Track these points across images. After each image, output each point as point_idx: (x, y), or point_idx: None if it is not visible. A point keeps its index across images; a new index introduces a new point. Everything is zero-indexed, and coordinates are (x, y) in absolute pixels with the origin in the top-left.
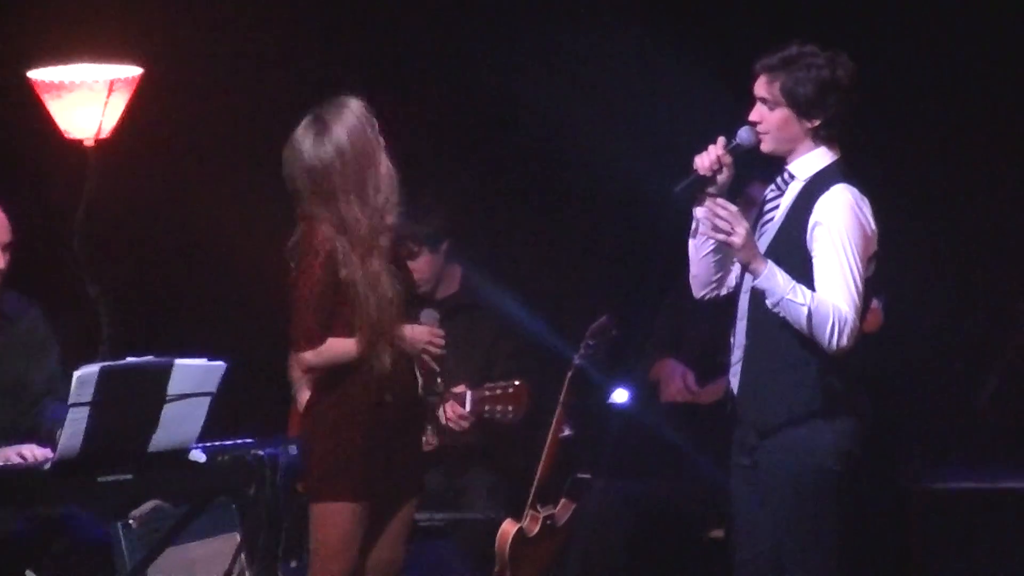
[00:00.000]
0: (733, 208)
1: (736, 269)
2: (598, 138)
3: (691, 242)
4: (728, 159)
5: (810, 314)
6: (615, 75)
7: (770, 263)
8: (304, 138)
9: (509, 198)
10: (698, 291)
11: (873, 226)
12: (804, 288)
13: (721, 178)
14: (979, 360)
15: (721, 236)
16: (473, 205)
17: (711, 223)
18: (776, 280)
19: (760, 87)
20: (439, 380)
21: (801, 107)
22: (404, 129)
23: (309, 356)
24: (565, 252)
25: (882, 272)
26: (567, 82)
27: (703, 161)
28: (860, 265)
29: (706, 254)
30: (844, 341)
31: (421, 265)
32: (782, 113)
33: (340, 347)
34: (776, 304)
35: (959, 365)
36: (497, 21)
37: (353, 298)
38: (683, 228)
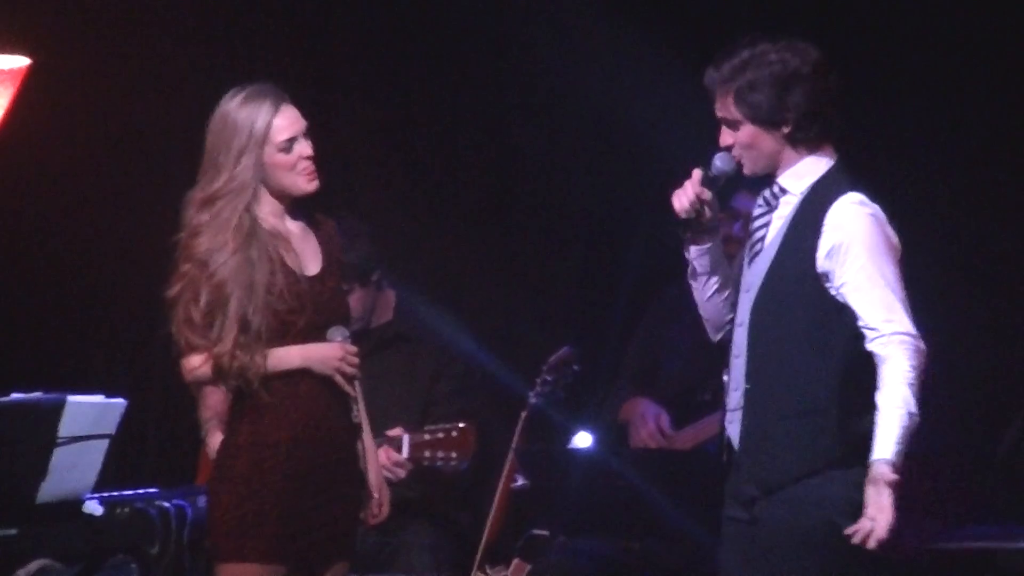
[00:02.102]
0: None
1: (740, 297)
2: (557, 147)
3: (692, 284)
4: (707, 194)
5: (914, 378)
6: (577, 79)
7: (889, 449)
8: None
9: (454, 213)
10: (713, 334)
11: (893, 233)
12: (892, 393)
13: (705, 216)
14: (1005, 405)
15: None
16: (413, 222)
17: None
18: (896, 438)
19: (718, 108)
20: (356, 411)
21: (763, 117)
22: (334, 136)
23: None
24: (519, 273)
25: None
26: (522, 86)
27: (681, 202)
28: (898, 276)
29: (711, 295)
30: (925, 355)
31: (352, 303)
32: (747, 130)
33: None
34: (912, 418)
35: (982, 410)
36: (443, 21)
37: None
38: (654, 247)
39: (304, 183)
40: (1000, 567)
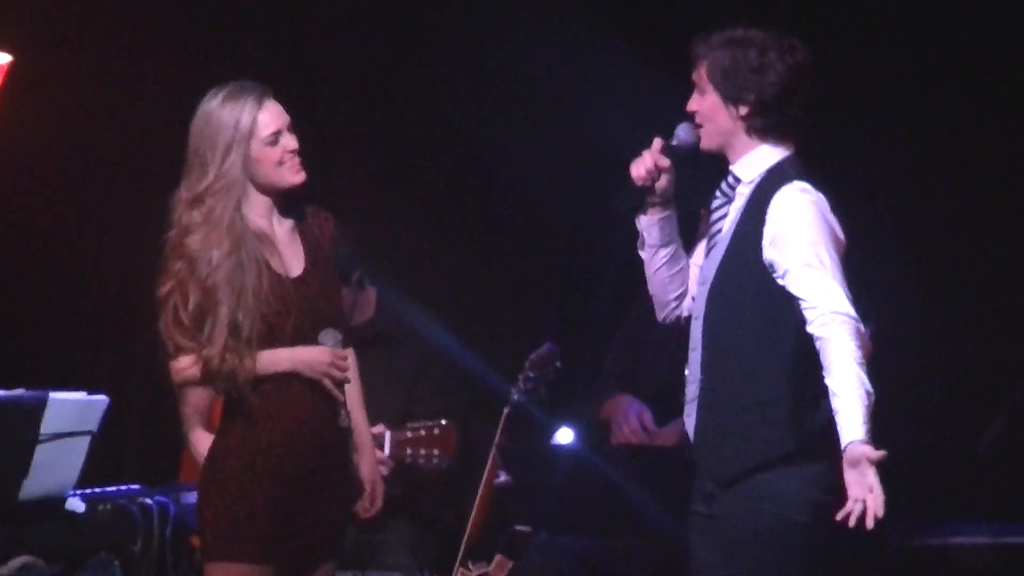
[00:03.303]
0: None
1: (697, 290)
2: (537, 144)
3: (641, 255)
4: (665, 162)
5: (860, 357)
6: (559, 78)
7: (859, 429)
8: None
9: (435, 211)
10: (659, 312)
11: (835, 223)
12: (844, 374)
13: (660, 185)
14: (985, 398)
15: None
16: (394, 220)
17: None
18: (862, 418)
19: (695, 73)
20: (343, 415)
21: (726, 91)
22: (314, 135)
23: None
24: (500, 271)
25: (870, 294)
26: (503, 86)
27: (638, 169)
28: (836, 262)
29: (659, 268)
30: (864, 331)
31: None
32: (711, 100)
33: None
34: (870, 396)
35: (961, 403)
36: (422, 21)
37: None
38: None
39: (290, 176)
40: (980, 564)
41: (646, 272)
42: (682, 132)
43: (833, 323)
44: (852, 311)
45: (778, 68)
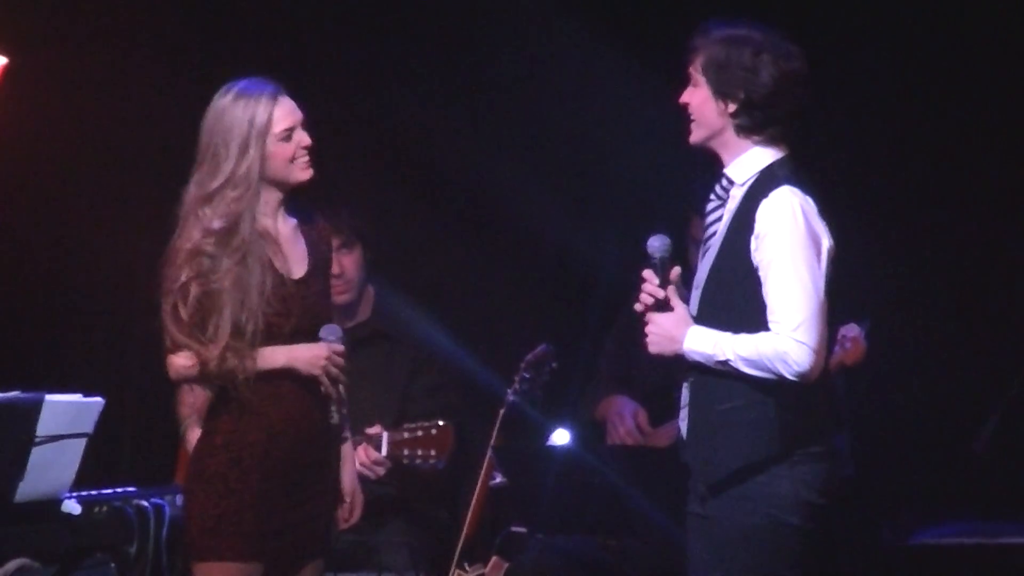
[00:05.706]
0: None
1: (692, 293)
2: (534, 144)
3: None
4: (674, 271)
5: (759, 362)
6: (554, 83)
7: (690, 332)
8: None
9: (432, 212)
10: None
11: (819, 229)
12: (736, 339)
13: (673, 274)
14: (980, 397)
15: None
16: (391, 221)
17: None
18: (711, 346)
19: (691, 64)
20: (334, 411)
21: (716, 84)
22: (309, 132)
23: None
24: (496, 271)
25: (865, 294)
26: (502, 90)
27: (650, 296)
28: (814, 275)
29: None
30: (805, 368)
31: (351, 264)
32: (700, 93)
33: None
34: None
35: (955, 402)
36: (420, 18)
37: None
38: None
39: (300, 172)
40: (975, 563)
41: None
42: (656, 243)
43: (780, 336)
44: (803, 336)
45: (771, 70)
